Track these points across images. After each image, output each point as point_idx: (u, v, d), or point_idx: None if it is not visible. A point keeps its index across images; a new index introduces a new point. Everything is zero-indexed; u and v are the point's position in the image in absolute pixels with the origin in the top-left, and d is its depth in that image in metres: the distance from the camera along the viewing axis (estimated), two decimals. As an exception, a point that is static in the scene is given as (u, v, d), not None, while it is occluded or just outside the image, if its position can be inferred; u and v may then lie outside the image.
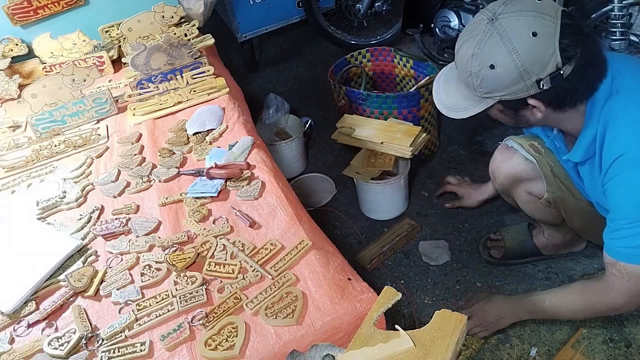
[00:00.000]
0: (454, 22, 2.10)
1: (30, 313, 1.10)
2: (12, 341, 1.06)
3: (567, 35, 0.95)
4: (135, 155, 1.54)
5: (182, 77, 1.77)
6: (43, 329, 1.07)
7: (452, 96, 1.11)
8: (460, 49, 1.03)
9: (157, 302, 1.06)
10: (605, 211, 1.13)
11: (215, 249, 1.16)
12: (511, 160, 1.40)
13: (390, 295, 0.93)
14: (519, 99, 1.01)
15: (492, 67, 0.97)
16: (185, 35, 2.00)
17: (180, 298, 1.05)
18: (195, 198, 1.32)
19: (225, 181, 1.35)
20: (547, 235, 1.59)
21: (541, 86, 0.98)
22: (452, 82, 1.12)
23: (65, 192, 1.43)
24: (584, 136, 1.08)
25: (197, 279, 1.09)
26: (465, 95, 1.08)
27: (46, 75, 1.92)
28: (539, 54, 0.95)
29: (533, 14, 0.95)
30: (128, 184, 1.44)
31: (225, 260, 1.13)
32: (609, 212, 1.08)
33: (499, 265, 1.64)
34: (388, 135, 1.82)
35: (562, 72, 0.96)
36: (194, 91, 1.73)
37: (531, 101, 1.01)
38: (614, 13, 1.60)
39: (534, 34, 0.94)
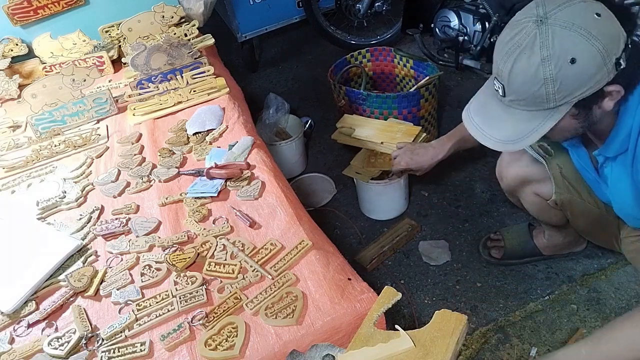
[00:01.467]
0: (454, 22, 2.10)
1: (30, 313, 1.10)
2: (12, 341, 1.06)
3: (614, 9, 0.90)
4: (135, 155, 1.54)
5: (182, 77, 1.77)
6: (43, 329, 1.07)
7: (507, 127, 0.97)
8: (514, 66, 0.90)
9: (157, 302, 1.06)
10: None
11: (215, 249, 1.16)
12: (519, 161, 1.37)
13: (390, 295, 0.93)
14: (596, 92, 0.91)
15: (573, 61, 0.87)
16: (185, 35, 2.00)
17: (180, 298, 1.05)
18: (195, 198, 1.32)
19: (225, 181, 1.35)
20: (548, 236, 1.59)
21: (620, 65, 0.89)
22: (498, 113, 0.98)
23: (65, 192, 1.43)
24: (620, 129, 1.01)
25: (197, 279, 1.09)
26: (527, 117, 0.95)
27: (46, 75, 1.92)
28: (611, 31, 0.88)
29: (580, 1, 0.89)
30: (128, 184, 1.44)
31: (225, 260, 1.13)
32: None
33: (499, 266, 1.64)
34: (388, 135, 1.82)
35: (629, 45, 0.90)
36: (194, 91, 1.73)
37: (610, 87, 0.91)
38: (614, 13, 1.60)
39: (599, 14, 0.87)
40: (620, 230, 1.34)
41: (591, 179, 1.25)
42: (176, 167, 1.45)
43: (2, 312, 1.10)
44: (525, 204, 1.47)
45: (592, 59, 0.87)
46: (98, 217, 1.34)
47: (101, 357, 0.97)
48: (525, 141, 0.97)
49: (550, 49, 0.87)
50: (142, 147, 1.58)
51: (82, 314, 1.07)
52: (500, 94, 0.96)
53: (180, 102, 1.71)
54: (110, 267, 1.18)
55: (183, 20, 2.10)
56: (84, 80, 1.78)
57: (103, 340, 1.01)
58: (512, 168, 1.40)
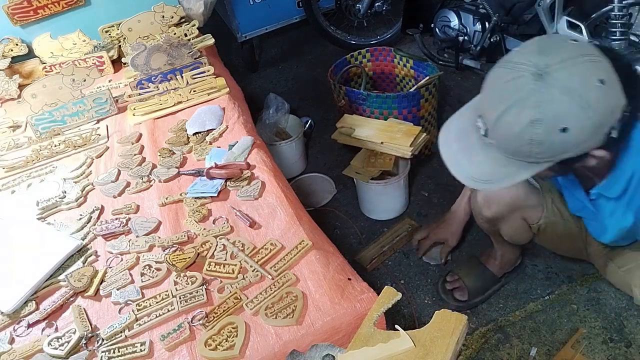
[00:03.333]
0: (454, 22, 2.10)
1: (30, 313, 1.10)
2: (12, 341, 1.06)
3: (620, 69, 0.85)
4: (135, 155, 1.54)
5: (182, 77, 1.77)
6: (43, 329, 1.07)
7: (482, 166, 0.94)
8: (502, 117, 0.85)
9: (157, 302, 1.06)
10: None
11: (215, 249, 1.16)
12: (515, 187, 1.26)
13: (390, 295, 0.93)
14: (580, 155, 0.88)
15: (564, 130, 0.82)
16: (185, 35, 2.00)
17: (180, 298, 1.05)
18: (195, 198, 1.32)
19: (225, 181, 1.35)
20: (500, 256, 1.54)
21: (611, 134, 0.85)
22: (476, 149, 0.94)
23: (65, 192, 1.43)
24: (623, 170, 0.98)
25: (197, 279, 1.09)
26: (505, 162, 0.91)
27: (46, 75, 1.92)
28: (611, 102, 0.83)
29: (586, 59, 0.82)
30: (128, 184, 1.44)
31: (225, 260, 1.13)
32: None
33: (467, 309, 1.55)
34: (388, 135, 1.82)
35: (627, 112, 0.85)
36: (194, 91, 1.73)
37: (596, 152, 0.88)
38: (614, 13, 1.60)
39: (602, 82, 0.81)
40: (587, 244, 1.35)
41: (578, 205, 1.21)
42: (176, 167, 1.45)
43: (2, 312, 1.10)
44: (507, 230, 1.38)
45: (584, 130, 0.83)
46: (98, 217, 1.34)
47: (101, 357, 0.97)
48: (497, 184, 0.94)
49: (543, 112, 0.82)
50: (142, 147, 1.58)
51: (82, 314, 1.07)
52: (482, 133, 0.92)
53: (180, 102, 1.71)
54: (110, 267, 1.18)
55: (183, 20, 2.10)
56: (84, 80, 1.78)
57: (103, 340, 1.01)
58: (505, 193, 1.28)
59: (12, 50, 2.01)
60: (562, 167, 0.92)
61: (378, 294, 0.96)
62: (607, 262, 1.29)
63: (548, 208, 1.29)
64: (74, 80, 1.76)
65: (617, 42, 1.62)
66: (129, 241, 1.23)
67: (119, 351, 0.98)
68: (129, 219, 1.30)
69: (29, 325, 1.08)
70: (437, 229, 1.68)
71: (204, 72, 1.78)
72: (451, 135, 1.00)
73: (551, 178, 1.13)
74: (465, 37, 2.07)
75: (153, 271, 1.14)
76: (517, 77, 0.84)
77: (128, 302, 1.08)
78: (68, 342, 1.00)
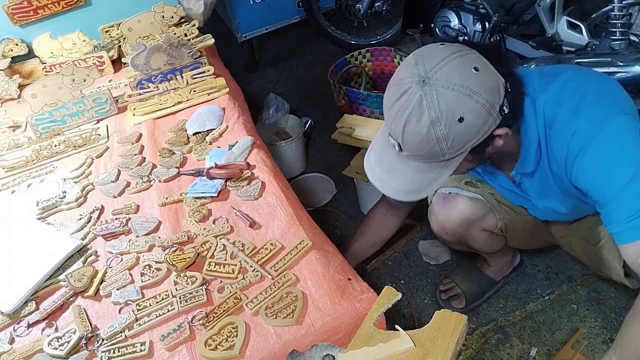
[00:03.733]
0: (454, 22, 2.10)
1: (30, 313, 1.10)
2: (12, 341, 1.06)
3: (488, 55, 0.94)
4: (135, 155, 1.54)
5: (182, 77, 1.77)
6: (43, 329, 1.07)
7: (406, 179, 1.00)
8: (406, 127, 0.92)
9: (157, 302, 1.06)
10: (571, 207, 1.16)
11: (215, 249, 1.16)
12: (457, 205, 1.29)
13: (390, 295, 0.93)
14: (485, 139, 0.95)
15: (460, 119, 0.90)
16: (185, 35, 2.00)
17: (180, 298, 1.05)
18: (195, 198, 1.32)
19: (225, 181, 1.35)
20: (492, 263, 1.55)
21: (503, 111, 0.94)
22: (397, 165, 1.01)
23: (65, 192, 1.43)
24: (529, 143, 1.05)
25: (197, 279, 1.09)
26: (425, 169, 0.98)
27: (46, 75, 1.92)
28: (490, 83, 0.91)
29: (456, 55, 0.91)
30: (128, 184, 1.44)
31: (225, 260, 1.13)
32: (596, 203, 1.01)
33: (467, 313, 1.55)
34: (388, 135, 1.82)
35: (508, 89, 0.95)
36: (194, 91, 1.73)
37: (499, 131, 0.96)
38: (614, 13, 1.60)
39: (476, 69, 0.90)
40: (551, 228, 1.38)
41: (514, 199, 1.27)
42: (176, 167, 1.45)
43: (2, 312, 1.10)
44: (475, 244, 1.39)
45: (478, 114, 0.90)
46: (98, 217, 1.34)
47: (101, 357, 0.97)
48: (426, 191, 1.01)
49: (437, 111, 0.89)
50: (142, 147, 1.58)
51: (82, 314, 1.07)
52: (397, 149, 0.98)
53: (180, 102, 1.71)
54: (110, 267, 1.18)
55: (183, 20, 2.10)
56: (84, 80, 1.78)
57: (103, 340, 1.01)
58: (453, 215, 1.30)
59: (12, 50, 2.01)
60: (476, 155, 1.00)
61: (378, 294, 0.96)
62: (579, 241, 1.31)
63: (497, 209, 1.30)
64: (74, 80, 1.76)
65: (617, 42, 1.62)
66: (129, 241, 1.23)
67: (119, 351, 0.98)
68: (129, 219, 1.30)
69: (29, 325, 1.08)
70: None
71: (204, 72, 1.78)
72: (371, 161, 1.07)
73: (473, 169, 1.18)
74: (465, 37, 2.07)
75: (153, 271, 1.14)
76: (405, 90, 0.91)
77: (128, 302, 1.08)
78: (68, 342, 1.00)
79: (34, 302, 1.11)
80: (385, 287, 0.95)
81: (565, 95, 0.99)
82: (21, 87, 1.88)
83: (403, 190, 1.02)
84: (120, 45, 2.08)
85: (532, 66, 1.72)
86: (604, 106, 0.97)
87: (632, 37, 1.65)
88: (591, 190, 1.00)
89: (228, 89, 1.73)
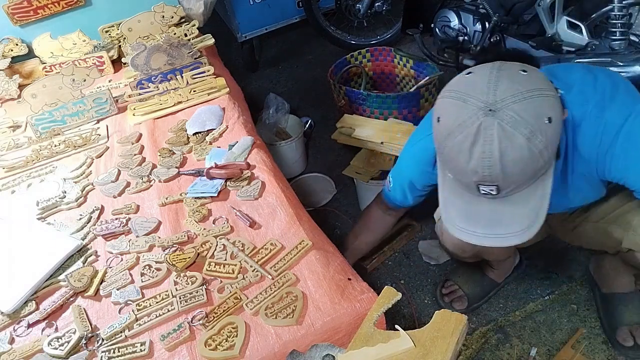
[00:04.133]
0: (454, 22, 2.10)
1: (30, 313, 1.10)
2: (12, 341, 1.06)
3: (516, 56, 0.95)
4: (135, 155, 1.54)
5: (182, 77, 1.77)
6: (43, 329, 1.07)
7: (519, 216, 0.91)
8: (504, 161, 0.83)
9: (157, 302, 1.06)
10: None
11: (215, 249, 1.16)
12: None
13: (390, 295, 0.93)
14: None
15: (549, 120, 0.84)
16: (185, 35, 2.00)
17: (180, 298, 1.05)
18: (195, 198, 1.32)
19: (225, 181, 1.35)
20: (497, 266, 1.54)
21: (559, 93, 0.92)
22: (500, 211, 0.92)
23: (65, 192, 1.43)
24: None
25: (197, 279, 1.09)
26: (531, 191, 0.90)
27: (46, 75, 1.92)
28: (540, 75, 0.89)
29: (495, 71, 0.88)
30: (128, 184, 1.44)
31: (225, 260, 1.13)
32: (635, 192, 1.01)
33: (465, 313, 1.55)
34: (388, 135, 1.82)
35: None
36: (194, 91, 1.73)
37: (564, 116, 0.92)
38: (614, 13, 1.60)
39: (523, 71, 0.88)
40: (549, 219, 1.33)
41: None
42: (176, 167, 1.45)
43: (2, 312, 1.10)
44: (489, 255, 1.40)
45: (555, 106, 0.87)
46: (98, 217, 1.34)
47: (101, 357, 0.97)
48: (542, 212, 0.91)
49: (526, 124, 0.83)
50: (142, 147, 1.58)
51: (82, 314, 1.07)
52: (494, 194, 0.89)
53: (180, 102, 1.71)
54: (110, 267, 1.18)
55: (183, 20, 2.10)
56: (84, 80, 1.78)
57: (103, 340, 1.01)
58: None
59: (12, 50, 2.01)
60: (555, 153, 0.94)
61: (378, 294, 0.96)
62: (578, 226, 1.31)
63: None
64: (74, 80, 1.76)
65: (617, 42, 1.62)
66: (129, 241, 1.23)
67: (119, 351, 0.98)
68: (129, 219, 1.30)
69: (29, 325, 1.08)
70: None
71: (204, 72, 1.78)
72: (463, 227, 0.96)
73: None
74: (465, 37, 2.07)
75: (153, 271, 1.14)
76: (476, 130, 0.84)
77: (128, 302, 1.08)
78: (68, 342, 1.00)
79: (34, 302, 1.11)
80: (385, 287, 0.95)
81: (589, 92, 0.98)
82: (21, 87, 1.88)
83: (521, 230, 0.92)
84: (120, 45, 2.08)
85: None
86: (622, 97, 0.98)
87: (632, 37, 1.65)
88: (629, 179, 1.00)
89: (228, 89, 1.73)
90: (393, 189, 1.34)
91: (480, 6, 2.01)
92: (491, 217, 0.93)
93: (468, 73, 0.91)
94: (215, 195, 1.31)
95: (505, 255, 1.46)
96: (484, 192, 0.89)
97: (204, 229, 1.22)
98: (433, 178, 1.10)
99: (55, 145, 1.61)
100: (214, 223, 1.25)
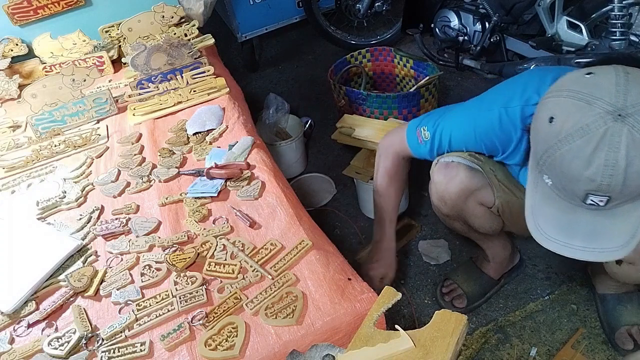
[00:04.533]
0: (454, 22, 2.10)
1: (30, 313, 1.10)
2: (12, 341, 1.06)
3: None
4: (135, 155, 1.54)
5: (182, 77, 1.77)
6: (43, 329, 1.07)
7: (623, 228, 0.87)
8: (628, 171, 0.79)
9: (157, 302, 1.06)
10: None
11: (215, 249, 1.16)
12: (457, 175, 1.27)
13: (390, 295, 0.93)
14: None
15: None
16: (185, 35, 2.00)
17: (180, 298, 1.05)
18: (195, 198, 1.32)
19: (225, 181, 1.35)
20: (492, 257, 1.54)
21: None
22: (602, 224, 0.87)
23: (65, 192, 1.43)
24: None
25: (197, 279, 1.09)
26: (634, 205, 0.85)
27: (46, 75, 1.92)
28: None
29: (614, 72, 0.84)
30: (128, 184, 1.44)
31: (225, 260, 1.13)
32: None
33: (467, 312, 1.51)
34: (388, 135, 1.82)
35: None
36: (194, 91, 1.73)
37: None
38: (614, 13, 1.60)
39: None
40: None
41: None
42: (176, 167, 1.45)
43: (2, 312, 1.10)
44: (472, 218, 1.37)
45: None
46: (98, 217, 1.34)
47: (101, 357, 0.97)
48: (639, 232, 0.86)
49: None
50: (142, 147, 1.58)
51: (82, 314, 1.07)
52: (601, 205, 0.84)
53: (180, 102, 1.71)
54: (110, 267, 1.18)
55: (183, 20, 2.10)
56: (84, 80, 1.78)
57: (103, 340, 1.01)
58: (452, 184, 1.29)
59: (12, 50, 2.01)
60: None
61: (378, 294, 0.96)
62: None
63: (495, 185, 1.29)
64: (74, 80, 1.76)
65: (617, 42, 1.62)
66: (129, 241, 1.23)
67: (119, 351, 0.98)
68: (129, 219, 1.30)
69: (29, 325, 1.08)
70: (372, 266, 1.54)
71: (204, 72, 1.78)
72: (557, 237, 0.91)
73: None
74: (465, 37, 2.07)
75: (153, 271, 1.14)
76: (601, 135, 0.79)
77: (128, 302, 1.08)
78: (68, 342, 1.00)
79: (34, 302, 1.11)
80: (385, 287, 0.95)
81: None
82: (21, 87, 1.88)
83: (619, 246, 0.87)
84: (120, 45, 2.08)
85: (532, 66, 1.72)
86: None
87: (632, 37, 1.65)
88: None
89: (228, 89, 1.73)
90: (426, 143, 1.29)
91: (480, 6, 2.01)
92: (590, 229, 0.88)
93: (588, 73, 0.85)
94: (215, 195, 1.31)
95: (491, 228, 1.40)
96: (591, 202, 0.84)
97: (204, 229, 1.22)
98: (494, 149, 1.16)
99: (55, 145, 1.61)
100: (214, 223, 1.25)
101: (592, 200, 0.84)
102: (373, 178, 1.54)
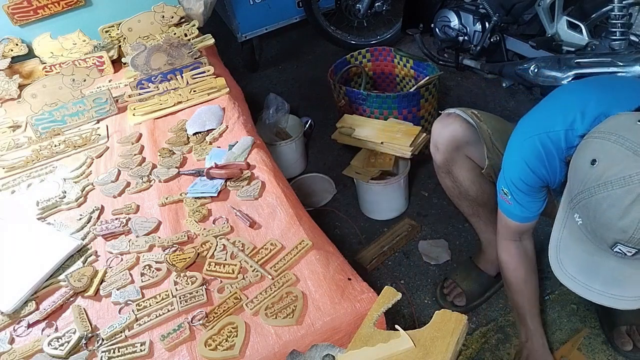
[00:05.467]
0: (454, 22, 2.10)
1: (30, 313, 1.10)
2: (12, 341, 1.06)
3: None
4: (135, 155, 1.54)
5: (182, 77, 1.77)
6: (43, 329, 1.07)
7: (638, 282, 0.87)
8: None
9: (157, 302, 1.06)
10: None
11: (215, 249, 1.16)
12: (452, 124, 1.32)
13: (390, 295, 0.93)
14: None
15: None
16: (185, 35, 2.00)
17: (180, 298, 1.05)
18: (195, 198, 1.32)
19: (225, 181, 1.35)
20: (489, 253, 1.54)
21: None
22: (625, 272, 0.87)
23: (65, 192, 1.42)
24: None
25: (197, 279, 1.09)
26: None
27: (46, 75, 1.92)
28: None
29: None
30: (128, 184, 1.44)
31: (225, 260, 1.13)
32: None
33: (467, 312, 1.53)
34: (388, 135, 1.82)
35: None
36: (194, 91, 1.73)
37: None
38: (614, 13, 1.60)
39: None
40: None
41: None
42: (176, 167, 1.45)
43: (2, 312, 1.09)
44: (460, 174, 1.38)
45: None
46: (98, 217, 1.34)
47: (101, 357, 0.97)
48: None
49: None
50: (142, 147, 1.58)
51: (82, 314, 1.07)
52: (629, 255, 0.84)
53: (180, 102, 1.71)
54: (110, 267, 1.18)
55: (183, 20, 2.10)
56: (84, 80, 1.78)
57: (103, 340, 1.00)
58: (445, 132, 1.34)
59: (12, 50, 2.01)
60: None
61: (378, 294, 0.96)
62: None
63: (489, 146, 1.28)
64: (74, 80, 1.76)
65: (617, 42, 1.62)
66: (129, 241, 1.23)
67: (119, 351, 0.98)
68: (129, 219, 1.30)
69: (29, 325, 1.08)
70: None
71: (204, 72, 1.78)
72: (578, 278, 0.93)
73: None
74: (465, 37, 2.07)
75: (153, 271, 1.14)
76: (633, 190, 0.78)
77: (128, 302, 1.08)
78: (68, 342, 1.00)
79: (34, 302, 1.11)
80: (385, 287, 0.95)
81: None
82: (21, 87, 1.87)
83: (638, 297, 0.87)
84: (120, 45, 2.08)
85: (532, 66, 1.72)
86: None
87: (632, 37, 1.65)
88: None
89: (228, 89, 1.73)
90: (513, 202, 1.18)
91: (480, 6, 2.01)
92: (612, 275, 0.87)
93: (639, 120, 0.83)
94: (215, 195, 1.31)
95: (479, 191, 1.40)
96: (618, 251, 0.84)
97: (204, 229, 1.22)
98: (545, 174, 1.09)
99: (55, 145, 1.61)
100: (214, 223, 1.25)
101: (620, 249, 0.83)
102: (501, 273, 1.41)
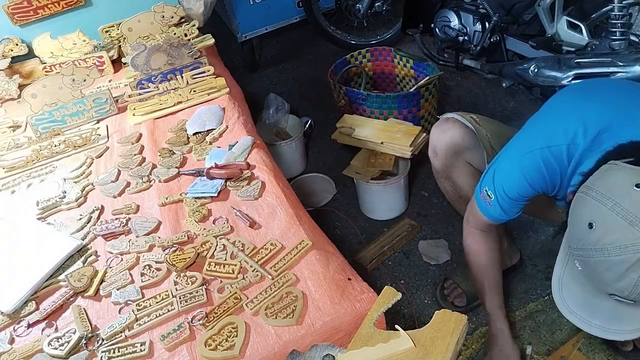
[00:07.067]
0: (454, 22, 2.10)
1: (30, 313, 1.10)
2: (12, 341, 1.06)
3: None
4: (135, 155, 1.54)
5: (182, 77, 1.77)
6: (43, 329, 1.07)
7: (636, 318, 0.89)
8: None
9: (157, 302, 1.06)
10: None
11: (215, 249, 1.16)
12: (451, 130, 1.32)
13: (390, 295, 0.93)
14: None
15: None
16: (185, 35, 2.00)
17: (180, 298, 1.05)
18: (195, 198, 1.32)
19: (225, 181, 1.35)
20: None
21: None
22: (622, 311, 0.89)
23: (65, 192, 1.43)
24: None
25: (197, 279, 1.09)
26: None
27: (46, 75, 1.92)
28: None
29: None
30: (128, 184, 1.44)
31: (225, 260, 1.13)
32: None
33: (467, 312, 1.53)
34: (388, 135, 1.82)
35: None
36: (194, 91, 1.73)
37: None
38: (614, 13, 1.60)
39: None
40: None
41: None
42: (176, 167, 1.45)
43: (2, 312, 1.10)
44: (460, 177, 1.38)
45: None
46: (98, 217, 1.34)
47: (101, 357, 0.97)
48: None
49: None
50: (142, 147, 1.58)
51: (82, 314, 1.07)
52: (627, 302, 0.86)
53: (180, 102, 1.71)
54: (110, 267, 1.18)
55: (183, 20, 2.10)
56: (84, 80, 1.78)
57: (103, 340, 1.00)
58: (444, 138, 1.33)
59: (12, 50, 2.01)
60: None
61: (378, 294, 0.96)
62: None
63: (488, 151, 1.28)
64: (74, 80, 1.76)
65: (617, 42, 1.62)
66: (129, 241, 1.23)
67: (119, 351, 0.98)
68: (129, 219, 1.30)
69: (29, 325, 1.08)
70: None
71: (204, 72, 1.78)
72: (578, 312, 0.94)
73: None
74: (465, 37, 2.07)
75: (153, 271, 1.14)
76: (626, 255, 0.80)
77: (128, 302, 1.08)
78: (68, 342, 1.00)
79: (34, 302, 1.11)
80: (385, 287, 0.95)
81: None
82: (21, 87, 1.87)
83: (636, 329, 0.90)
84: (120, 45, 2.08)
85: (532, 66, 1.72)
86: None
87: (632, 37, 1.65)
88: None
89: (228, 89, 1.73)
90: (495, 204, 1.18)
91: (480, 6, 2.01)
92: (612, 314, 0.90)
93: (638, 185, 0.83)
94: (215, 195, 1.31)
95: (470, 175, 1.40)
96: (616, 298, 0.86)
97: (204, 229, 1.22)
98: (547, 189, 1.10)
99: (55, 145, 1.61)
100: (214, 223, 1.25)
101: (616, 298, 0.86)
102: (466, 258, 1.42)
